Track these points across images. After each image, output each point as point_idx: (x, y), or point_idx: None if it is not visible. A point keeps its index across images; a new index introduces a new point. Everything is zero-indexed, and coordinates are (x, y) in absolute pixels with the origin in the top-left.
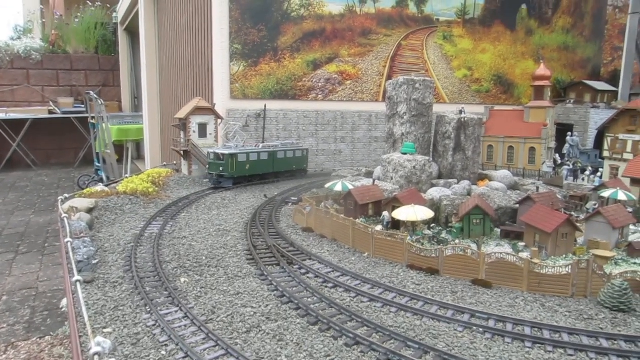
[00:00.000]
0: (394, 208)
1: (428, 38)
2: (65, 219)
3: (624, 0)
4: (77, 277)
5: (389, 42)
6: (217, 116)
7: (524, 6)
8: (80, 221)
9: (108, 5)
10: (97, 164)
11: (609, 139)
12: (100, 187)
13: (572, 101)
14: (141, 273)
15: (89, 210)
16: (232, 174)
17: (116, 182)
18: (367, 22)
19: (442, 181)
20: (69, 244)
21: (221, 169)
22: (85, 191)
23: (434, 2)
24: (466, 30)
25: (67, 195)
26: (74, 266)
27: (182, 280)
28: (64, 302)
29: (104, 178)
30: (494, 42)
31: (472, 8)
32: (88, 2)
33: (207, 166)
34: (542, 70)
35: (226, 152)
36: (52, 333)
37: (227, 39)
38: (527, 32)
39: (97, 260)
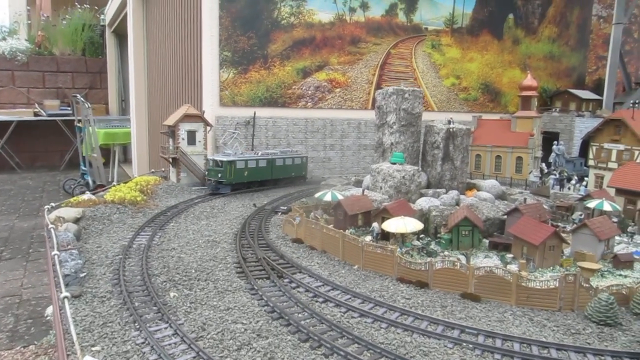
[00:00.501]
0: (383, 219)
1: (417, 47)
2: (52, 230)
3: (608, 11)
4: (64, 293)
5: (378, 50)
6: (207, 123)
7: (510, 16)
8: (67, 232)
9: (96, 7)
10: (83, 168)
11: (594, 148)
12: (87, 196)
13: (557, 110)
14: (130, 287)
15: (76, 220)
16: (230, 181)
17: (104, 190)
18: (356, 31)
19: (430, 191)
20: (55, 257)
21: (219, 175)
22: (72, 200)
23: (423, 11)
24: (454, 39)
25: (53, 204)
26: (61, 281)
27: (172, 294)
28: (49, 310)
29: (90, 182)
30: (481, 51)
31: (460, 17)
32: (76, 3)
33: (207, 172)
34: (529, 80)
35: (224, 159)
36: (36, 342)
37: (217, 46)
38: (514, 41)
39: (84, 274)
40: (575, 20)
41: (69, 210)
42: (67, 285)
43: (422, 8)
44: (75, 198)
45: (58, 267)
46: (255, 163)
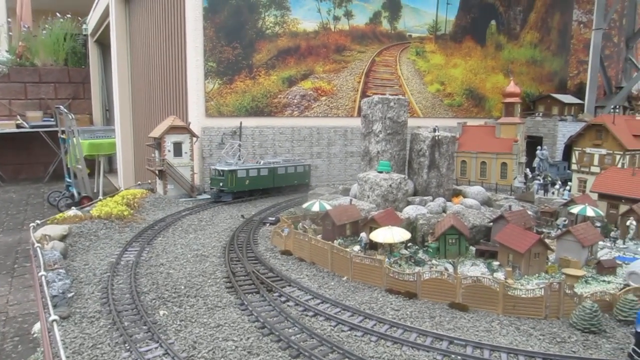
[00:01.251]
0: (371, 229)
1: (401, 54)
2: (38, 249)
3: (588, 16)
4: (53, 316)
5: (363, 58)
6: (193, 134)
7: (493, 22)
8: (53, 250)
9: (78, 17)
10: (68, 180)
11: (577, 152)
12: (73, 212)
13: (540, 114)
14: (119, 306)
15: (62, 237)
16: (231, 189)
17: (90, 204)
18: (341, 39)
19: (417, 198)
20: (43, 277)
21: (221, 184)
22: (57, 216)
23: (407, 19)
24: (438, 45)
25: (38, 221)
26: (49, 302)
27: (161, 312)
28: (36, 327)
29: (75, 194)
30: (465, 57)
31: (444, 24)
32: (57, 13)
33: (210, 181)
34: (512, 87)
35: (226, 168)
36: None
37: (202, 56)
38: (496, 47)
39: (72, 294)
40: (556, 26)
41: (55, 228)
42: (55, 306)
43: (406, 15)
44: (60, 215)
45: (45, 288)
46: (257, 172)
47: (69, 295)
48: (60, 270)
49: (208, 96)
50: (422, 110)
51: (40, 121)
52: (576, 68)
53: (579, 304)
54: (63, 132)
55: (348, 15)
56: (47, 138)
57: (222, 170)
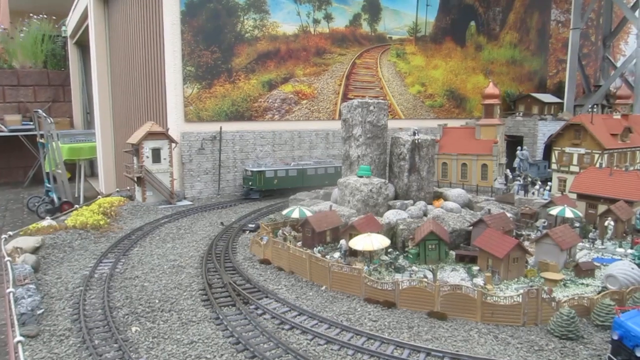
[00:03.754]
0: (351, 235)
1: (382, 56)
2: (9, 263)
3: (566, 16)
4: (18, 337)
5: (344, 60)
6: (171, 140)
7: (472, 23)
8: (24, 264)
9: (54, 17)
10: (48, 185)
11: (556, 152)
12: (47, 222)
13: (521, 114)
14: (90, 323)
15: (35, 250)
16: (259, 187)
17: (71, 211)
18: (321, 42)
19: (398, 202)
20: (11, 294)
21: (250, 183)
22: (31, 227)
23: (387, 21)
24: (418, 47)
25: (10, 233)
26: (15, 322)
27: (134, 329)
28: None
29: (55, 199)
30: (445, 58)
31: (424, 26)
32: (31, 14)
33: (242, 180)
34: (491, 88)
35: (255, 169)
36: None
37: (180, 61)
38: (476, 47)
39: (42, 310)
40: (535, 26)
41: (27, 239)
42: (23, 324)
43: (386, 17)
44: (34, 225)
45: (13, 306)
46: (285, 172)
47: (39, 312)
48: (30, 286)
49: (187, 101)
50: (404, 112)
51: (20, 125)
52: (555, 67)
53: (557, 310)
54: (42, 136)
55: (328, 18)
56: (26, 142)
57: (252, 171)
